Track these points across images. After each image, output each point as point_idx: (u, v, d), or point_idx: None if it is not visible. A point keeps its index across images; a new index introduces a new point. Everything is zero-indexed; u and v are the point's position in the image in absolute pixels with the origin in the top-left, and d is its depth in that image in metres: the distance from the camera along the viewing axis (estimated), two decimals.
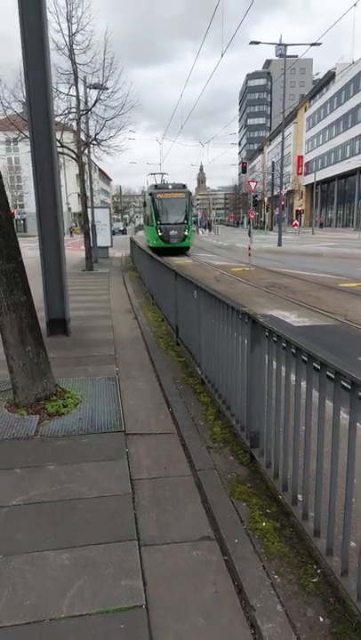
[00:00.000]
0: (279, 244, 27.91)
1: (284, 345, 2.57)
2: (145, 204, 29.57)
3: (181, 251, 24.65)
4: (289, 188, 66.83)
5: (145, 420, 3.98)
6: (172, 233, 23.92)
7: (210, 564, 2.32)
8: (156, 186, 26.05)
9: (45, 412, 4.09)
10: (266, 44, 19.61)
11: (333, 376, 2.00)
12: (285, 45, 27.53)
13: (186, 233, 24.11)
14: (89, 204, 18.24)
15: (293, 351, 2.42)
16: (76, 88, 15.72)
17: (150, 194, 25.35)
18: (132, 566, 2.31)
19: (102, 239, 20.88)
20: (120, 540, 2.49)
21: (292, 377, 2.49)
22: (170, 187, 25.65)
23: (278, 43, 35.62)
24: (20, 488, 2.99)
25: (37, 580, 2.23)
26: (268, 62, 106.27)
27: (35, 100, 6.29)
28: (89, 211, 17.96)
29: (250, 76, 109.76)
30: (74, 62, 15.25)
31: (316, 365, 2.20)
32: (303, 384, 2.36)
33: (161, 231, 24.03)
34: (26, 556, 2.40)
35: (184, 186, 26.22)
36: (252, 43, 21.73)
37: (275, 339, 2.69)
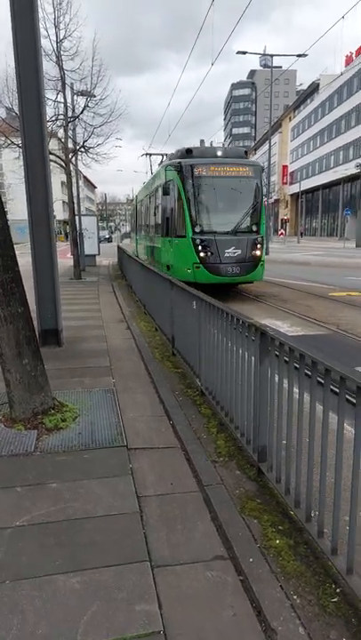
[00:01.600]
0: (267, 253, 28.10)
1: (296, 359, 2.54)
2: (153, 195, 15.97)
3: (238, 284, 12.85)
4: (275, 198, 67.60)
5: (146, 433, 3.91)
6: (229, 253, 11.34)
7: (226, 586, 2.26)
8: (188, 150, 12.38)
9: (44, 426, 3.98)
10: (253, 54, 19.99)
11: (356, 391, 1.97)
12: (271, 56, 27.93)
13: (257, 252, 11.75)
14: (76, 211, 18.13)
15: (307, 365, 2.39)
16: (64, 95, 15.69)
17: (176, 168, 11.89)
18: (146, 590, 2.23)
19: (90, 247, 20.79)
20: (131, 562, 2.41)
21: (305, 390, 2.46)
22: (219, 153, 12.59)
23: (263, 53, 36.12)
24: (23, 507, 2.89)
25: (48, 607, 2.14)
26: (252, 72, 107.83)
27: (27, 104, 6.21)
28: (76, 218, 17.87)
29: (235, 86, 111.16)
30: (61, 69, 15.22)
31: (332, 382, 2.17)
32: (317, 398, 2.33)
33: (205, 249, 11.25)
34: (34, 580, 2.30)
35: (246, 153, 13.60)
36: (239, 52, 22.02)
37: (286, 352, 2.65)
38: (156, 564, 2.40)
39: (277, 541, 2.52)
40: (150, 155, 23.04)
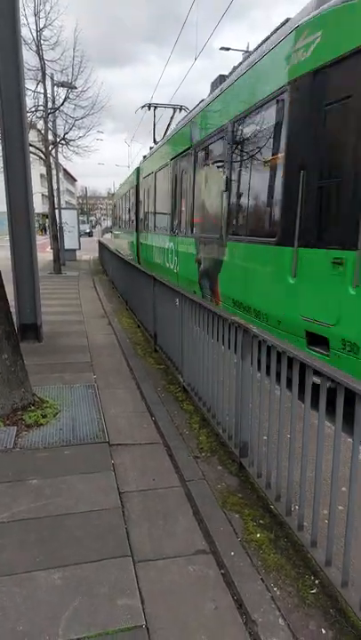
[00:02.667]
0: None
1: (277, 355, 2.57)
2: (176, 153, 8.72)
3: None
4: None
5: (128, 429, 3.90)
6: None
7: (207, 579, 2.28)
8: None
9: (23, 422, 3.94)
10: (236, 50, 19.84)
11: (331, 386, 2.00)
12: (250, 52, 27.95)
13: None
14: (56, 204, 17.89)
15: (288, 361, 2.42)
16: (44, 85, 15.42)
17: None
18: (128, 584, 2.24)
19: (70, 241, 20.56)
20: (113, 557, 2.41)
21: (286, 386, 2.50)
22: None
23: (246, 50, 36.19)
24: (3, 504, 2.85)
25: (29, 604, 2.13)
26: (234, 68, 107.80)
27: (6, 94, 6.04)
28: (56, 212, 17.63)
29: (215, 82, 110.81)
30: (42, 58, 14.97)
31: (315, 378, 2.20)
32: (297, 393, 2.37)
33: None
34: (14, 577, 2.28)
35: None
36: (222, 49, 21.91)
37: (267, 348, 2.68)
38: (138, 558, 2.41)
39: (258, 535, 2.56)
40: (155, 107, 13.75)
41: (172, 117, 13.28)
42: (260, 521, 2.68)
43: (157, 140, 10.69)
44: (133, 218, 15.38)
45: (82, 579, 2.27)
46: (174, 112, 13.26)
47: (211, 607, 2.12)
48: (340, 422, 2.01)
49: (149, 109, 13.62)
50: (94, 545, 2.50)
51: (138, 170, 14.68)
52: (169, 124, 12.98)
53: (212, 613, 2.09)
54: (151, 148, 13.31)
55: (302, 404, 2.29)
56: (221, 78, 7.57)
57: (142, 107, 13.86)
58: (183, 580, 2.27)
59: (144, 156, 14.35)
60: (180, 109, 12.66)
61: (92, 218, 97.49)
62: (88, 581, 2.26)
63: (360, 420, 1.87)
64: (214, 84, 8.22)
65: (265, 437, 2.79)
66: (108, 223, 55.05)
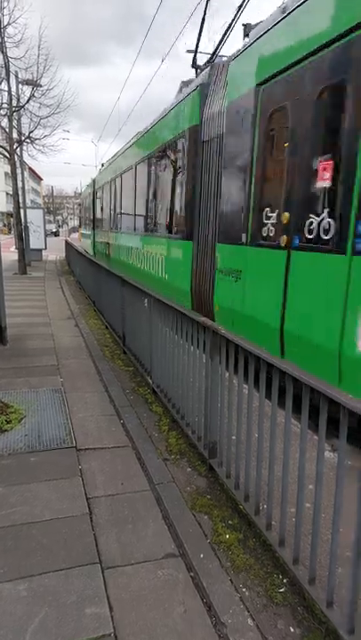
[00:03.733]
0: None
1: (244, 355, 2.58)
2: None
3: None
4: None
5: (96, 433, 3.84)
6: None
7: (177, 583, 2.27)
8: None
9: None
10: (202, 53, 19.95)
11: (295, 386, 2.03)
12: (221, 57, 28.25)
13: None
14: (21, 204, 17.50)
15: (256, 362, 2.44)
16: (8, 83, 15.06)
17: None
18: (96, 592, 2.20)
19: (36, 241, 20.15)
20: (81, 565, 2.37)
21: (254, 386, 2.51)
22: None
23: (212, 53, 36.51)
24: None
25: None
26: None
27: None
28: (21, 211, 17.25)
29: (184, 83, 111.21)
30: (5, 55, 14.59)
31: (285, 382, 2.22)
32: (266, 394, 2.39)
33: None
34: None
35: None
36: (188, 51, 22.03)
37: (235, 349, 2.69)
38: (107, 565, 2.37)
39: (227, 536, 2.56)
40: None
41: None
42: (230, 521, 2.69)
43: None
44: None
45: (49, 588, 2.22)
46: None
47: (180, 611, 2.11)
48: (306, 421, 2.03)
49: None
50: (61, 553, 2.45)
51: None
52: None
53: (181, 617, 2.07)
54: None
55: (270, 403, 2.31)
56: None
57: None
58: (152, 585, 2.25)
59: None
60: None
61: (59, 217, 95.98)
62: (55, 591, 2.20)
63: (324, 418, 1.90)
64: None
65: (233, 437, 2.80)
66: (75, 223, 54.29)
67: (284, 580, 2.26)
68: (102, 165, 17.01)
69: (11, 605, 2.12)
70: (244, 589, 2.21)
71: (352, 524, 1.74)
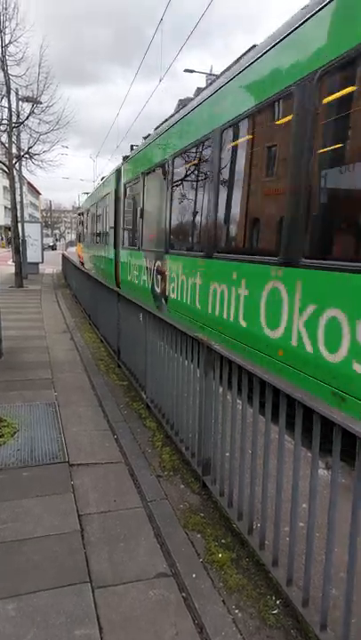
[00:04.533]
0: None
1: (237, 371, 2.58)
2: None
3: None
4: None
5: (89, 448, 3.81)
6: None
7: (168, 604, 2.23)
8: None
9: None
10: (200, 72, 20.45)
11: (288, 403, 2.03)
12: (217, 76, 28.88)
13: None
14: (19, 218, 17.60)
15: (249, 379, 2.44)
16: (9, 100, 15.28)
17: None
18: (86, 612, 2.15)
19: (33, 255, 20.22)
20: (71, 584, 2.32)
21: (247, 403, 2.51)
22: None
23: (210, 72, 37.31)
24: None
25: None
26: (198, 90, 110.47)
27: None
28: (19, 225, 17.33)
29: (182, 102, 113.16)
30: (6, 73, 14.85)
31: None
32: (260, 412, 2.38)
33: None
34: None
35: None
36: (186, 71, 22.46)
37: (229, 365, 2.69)
38: (97, 584, 2.33)
39: (220, 555, 2.52)
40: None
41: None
42: (222, 540, 2.66)
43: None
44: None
45: (38, 608, 2.17)
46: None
47: (172, 633, 2.07)
48: (300, 438, 2.03)
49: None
50: (52, 571, 2.40)
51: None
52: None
53: None
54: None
55: (264, 419, 2.30)
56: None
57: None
58: (144, 606, 2.21)
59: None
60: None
61: (57, 231, 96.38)
62: (44, 611, 2.16)
63: (317, 436, 1.89)
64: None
65: (227, 454, 2.78)
66: (73, 237, 54.51)
67: (278, 602, 2.22)
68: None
69: None
70: (236, 611, 2.17)
71: (346, 545, 1.72)
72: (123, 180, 10.77)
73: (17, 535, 2.68)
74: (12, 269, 16.58)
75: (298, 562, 2.16)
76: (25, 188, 25.29)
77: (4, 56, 14.34)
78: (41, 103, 15.63)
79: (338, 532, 1.85)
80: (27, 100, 15.71)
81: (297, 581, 2.14)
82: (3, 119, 15.44)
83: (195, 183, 6.17)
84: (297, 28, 3.83)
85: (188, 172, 6.43)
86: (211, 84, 6.61)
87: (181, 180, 6.66)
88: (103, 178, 15.89)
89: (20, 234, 17.28)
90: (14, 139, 16.05)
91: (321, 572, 1.95)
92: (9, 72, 14.76)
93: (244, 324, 4.67)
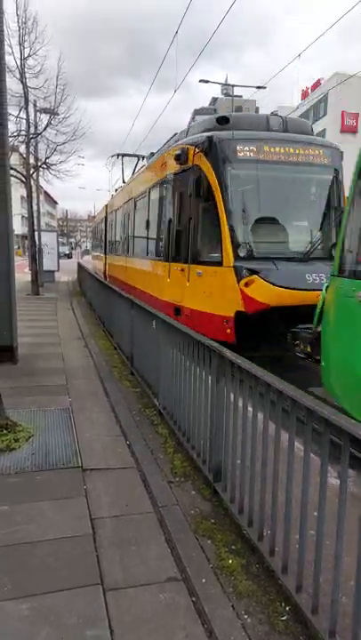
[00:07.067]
0: None
1: (250, 380, 2.62)
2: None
3: None
4: None
5: (102, 453, 3.86)
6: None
7: (178, 608, 2.26)
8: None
9: None
10: (215, 83, 20.81)
11: (303, 413, 2.06)
12: (233, 86, 29.29)
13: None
14: (36, 227, 17.91)
15: (261, 386, 2.47)
16: (27, 111, 15.63)
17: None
18: (97, 614, 2.20)
19: (49, 263, 20.49)
20: (83, 586, 2.37)
21: (259, 411, 2.54)
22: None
23: (225, 83, 37.70)
24: None
25: None
26: (214, 100, 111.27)
27: None
28: (36, 234, 17.64)
29: (197, 112, 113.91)
30: (25, 85, 15.19)
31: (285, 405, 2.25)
32: (270, 419, 2.41)
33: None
34: None
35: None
36: (201, 81, 22.82)
37: (242, 373, 2.73)
38: (109, 587, 2.37)
39: (230, 561, 2.55)
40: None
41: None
42: (233, 546, 2.68)
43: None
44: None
45: (51, 608, 2.22)
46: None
47: (181, 636, 2.09)
48: (309, 446, 2.05)
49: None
50: (64, 573, 2.45)
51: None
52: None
53: None
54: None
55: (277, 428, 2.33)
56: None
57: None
58: (154, 609, 2.24)
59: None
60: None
61: (73, 240, 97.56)
62: (57, 611, 2.20)
63: (326, 444, 1.92)
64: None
65: (238, 461, 2.81)
66: (88, 245, 55.10)
67: (287, 608, 2.23)
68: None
69: (13, 624, 2.12)
70: (246, 616, 2.19)
71: (355, 553, 1.74)
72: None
73: (31, 537, 2.74)
74: (29, 277, 16.83)
75: (307, 569, 2.17)
76: (42, 198, 25.72)
77: (23, 68, 14.69)
78: (58, 114, 15.96)
79: (347, 540, 1.86)
80: (44, 111, 16.05)
81: (306, 588, 2.15)
82: (21, 130, 15.80)
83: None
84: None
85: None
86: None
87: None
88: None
89: (37, 242, 17.58)
90: (32, 149, 16.39)
91: (331, 579, 1.96)
92: (28, 84, 15.12)
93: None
